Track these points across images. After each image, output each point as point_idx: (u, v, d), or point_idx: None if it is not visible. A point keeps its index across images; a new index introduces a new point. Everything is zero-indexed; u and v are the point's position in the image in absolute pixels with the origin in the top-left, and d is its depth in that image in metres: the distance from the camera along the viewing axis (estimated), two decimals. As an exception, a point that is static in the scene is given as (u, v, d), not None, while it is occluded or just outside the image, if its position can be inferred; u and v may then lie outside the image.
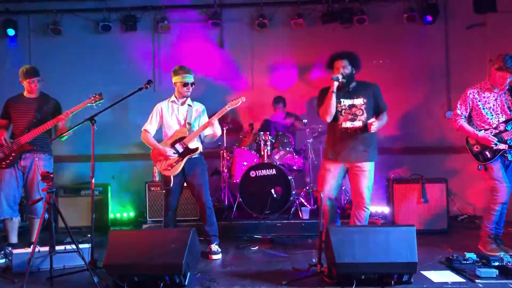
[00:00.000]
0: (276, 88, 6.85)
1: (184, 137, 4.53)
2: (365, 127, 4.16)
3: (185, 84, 4.56)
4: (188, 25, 6.95)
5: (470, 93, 4.40)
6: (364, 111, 4.23)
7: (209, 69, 6.84)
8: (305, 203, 5.87)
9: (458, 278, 3.64)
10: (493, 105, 4.33)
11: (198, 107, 4.72)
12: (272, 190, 5.50)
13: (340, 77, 4.16)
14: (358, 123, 4.23)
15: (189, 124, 4.58)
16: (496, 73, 4.22)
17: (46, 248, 3.73)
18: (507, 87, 4.29)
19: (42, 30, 6.83)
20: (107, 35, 6.79)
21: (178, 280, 3.49)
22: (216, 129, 4.54)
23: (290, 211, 5.77)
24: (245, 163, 5.97)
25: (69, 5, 6.78)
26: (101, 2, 6.75)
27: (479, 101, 4.35)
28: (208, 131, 4.58)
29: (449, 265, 3.96)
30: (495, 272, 3.60)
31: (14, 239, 4.71)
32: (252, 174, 5.61)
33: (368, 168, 4.24)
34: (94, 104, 4.45)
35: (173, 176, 4.51)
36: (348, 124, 4.25)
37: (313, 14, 6.75)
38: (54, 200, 3.69)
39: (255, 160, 5.92)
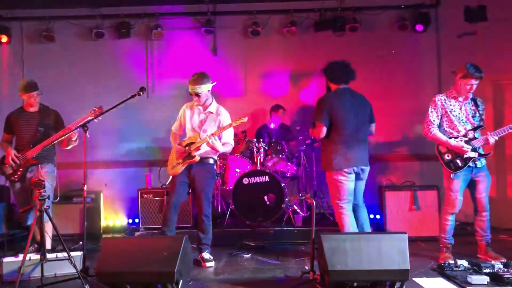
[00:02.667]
0: (269, 95, 6.87)
1: (192, 143, 4.56)
2: None
3: (194, 94, 4.56)
4: (182, 32, 6.96)
5: (439, 100, 4.47)
6: None
7: (203, 76, 6.84)
8: (298, 210, 5.87)
9: (450, 285, 3.66)
10: (459, 113, 4.42)
11: (219, 114, 4.64)
12: (265, 197, 5.51)
13: None
14: None
15: (204, 131, 4.57)
16: (461, 81, 4.33)
17: (37, 256, 3.70)
18: (471, 96, 4.40)
19: (35, 37, 6.81)
20: (100, 42, 6.79)
21: (170, 288, 3.48)
22: (216, 146, 4.42)
23: (283, 219, 5.77)
24: (238, 170, 5.97)
25: (62, 12, 6.77)
26: (95, 9, 6.75)
27: (447, 108, 4.43)
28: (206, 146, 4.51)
29: (441, 272, 3.98)
30: (486, 279, 3.62)
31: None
32: (245, 181, 5.61)
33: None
34: (94, 118, 4.35)
35: (173, 177, 4.64)
36: None
37: (306, 22, 6.80)
38: (46, 208, 3.68)
39: (248, 167, 5.92)
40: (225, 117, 4.65)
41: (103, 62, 6.84)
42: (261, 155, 5.88)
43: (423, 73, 6.76)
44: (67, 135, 4.49)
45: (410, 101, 6.71)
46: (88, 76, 6.78)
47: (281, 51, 6.88)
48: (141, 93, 4.39)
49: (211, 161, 4.66)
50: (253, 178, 5.60)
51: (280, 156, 5.95)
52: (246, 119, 4.42)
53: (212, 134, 4.40)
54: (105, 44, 6.84)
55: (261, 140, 5.96)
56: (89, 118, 4.33)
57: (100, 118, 4.40)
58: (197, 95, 4.55)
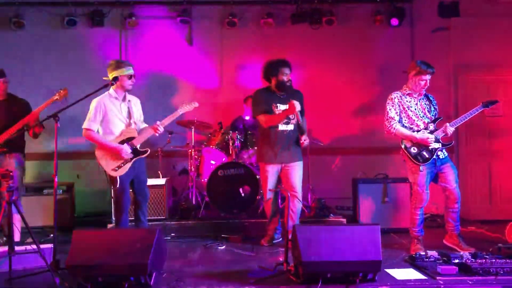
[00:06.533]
0: (245, 86, 6.83)
1: (132, 138, 4.39)
2: (295, 130, 4.75)
3: (130, 77, 4.39)
4: (157, 22, 6.86)
5: (395, 97, 4.57)
6: (295, 115, 4.61)
7: (178, 66, 6.78)
8: (273, 202, 5.88)
9: (420, 276, 3.73)
10: (416, 108, 4.53)
11: (135, 101, 4.59)
12: (240, 189, 5.50)
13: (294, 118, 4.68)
14: (290, 127, 4.74)
15: (135, 123, 4.47)
16: (415, 78, 4.47)
17: (5, 249, 3.61)
18: (424, 92, 4.54)
19: (4, 23, 6.57)
20: (72, 30, 6.62)
21: (143, 280, 3.44)
22: (161, 132, 4.47)
23: (258, 210, 5.77)
24: (213, 162, 5.94)
25: (33, -3, 6.58)
26: (67, -4, 6.58)
27: (404, 104, 4.53)
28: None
29: (412, 263, 4.05)
30: (455, 269, 3.71)
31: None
32: (220, 173, 5.58)
33: (299, 166, 4.79)
34: (60, 100, 4.44)
35: (120, 177, 4.31)
36: (283, 127, 4.71)
37: (282, 14, 6.77)
38: (14, 199, 3.58)
39: (223, 159, 5.89)
40: (139, 101, 4.62)
41: (75, 51, 6.67)
42: (237, 147, 5.85)
43: (398, 66, 6.80)
44: (36, 125, 4.42)
45: (384, 94, 6.74)
46: (59, 65, 6.61)
47: (258, 43, 6.84)
48: (114, 82, 4.35)
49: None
50: (228, 170, 5.58)
51: (256, 148, 5.94)
52: (196, 104, 4.55)
53: (161, 123, 4.40)
54: (78, 32, 6.67)
55: (236, 132, 5.93)
56: (54, 100, 4.49)
57: (61, 101, 4.43)
58: (134, 76, 4.45)
